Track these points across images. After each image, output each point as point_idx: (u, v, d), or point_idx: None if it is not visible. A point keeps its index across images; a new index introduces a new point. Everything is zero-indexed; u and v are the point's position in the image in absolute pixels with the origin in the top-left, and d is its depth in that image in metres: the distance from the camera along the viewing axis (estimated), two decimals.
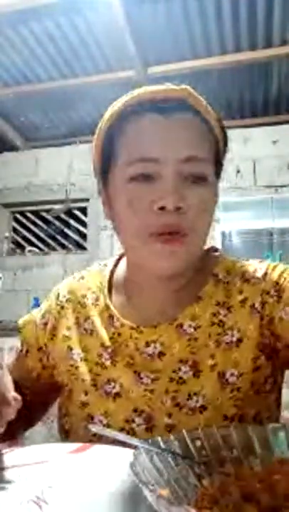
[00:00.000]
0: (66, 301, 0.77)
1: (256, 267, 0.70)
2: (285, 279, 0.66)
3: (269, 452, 0.44)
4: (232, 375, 0.64)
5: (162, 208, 0.60)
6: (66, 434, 0.72)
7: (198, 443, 0.44)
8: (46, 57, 2.69)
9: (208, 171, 0.64)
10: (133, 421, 0.65)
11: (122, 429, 0.65)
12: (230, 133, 0.72)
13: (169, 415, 0.64)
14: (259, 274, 0.68)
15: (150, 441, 0.43)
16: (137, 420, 0.65)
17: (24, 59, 2.72)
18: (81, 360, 0.71)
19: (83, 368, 0.71)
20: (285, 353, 0.65)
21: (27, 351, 0.78)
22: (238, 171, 3.21)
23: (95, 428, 0.56)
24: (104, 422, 0.66)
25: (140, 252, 0.65)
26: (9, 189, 3.60)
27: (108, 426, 0.66)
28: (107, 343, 0.70)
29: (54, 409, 0.80)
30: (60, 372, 0.73)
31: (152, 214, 0.61)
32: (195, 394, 0.64)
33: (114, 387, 0.68)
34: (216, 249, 0.77)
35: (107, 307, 0.73)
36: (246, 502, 0.35)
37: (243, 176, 3.21)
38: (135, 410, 0.66)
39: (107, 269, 0.79)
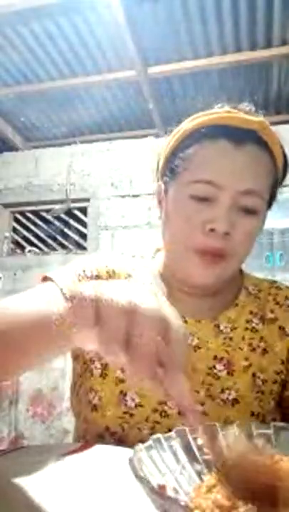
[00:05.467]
0: (112, 272, 0.75)
1: (287, 293, 0.78)
2: None
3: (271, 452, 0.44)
4: (259, 378, 0.70)
5: (212, 230, 0.64)
6: (93, 408, 0.70)
7: (200, 441, 0.44)
8: (46, 57, 2.68)
9: (261, 204, 0.68)
10: (166, 403, 0.67)
11: (155, 410, 0.67)
12: None
13: (202, 404, 0.67)
14: None
15: (151, 438, 0.43)
16: (170, 403, 0.67)
17: (24, 59, 2.71)
18: None
19: None
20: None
21: None
22: None
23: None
24: (137, 401, 0.68)
25: (180, 260, 0.70)
26: (9, 189, 3.60)
27: (141, 405, 0.67)
28: None
29: (53, 410, 0.79)
30: None
31: (202, 233, 0.66)
32: (228, 388, 0.68)
33: None
34: None
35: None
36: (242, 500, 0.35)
37: None
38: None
39: (148, 261, 0.80)
